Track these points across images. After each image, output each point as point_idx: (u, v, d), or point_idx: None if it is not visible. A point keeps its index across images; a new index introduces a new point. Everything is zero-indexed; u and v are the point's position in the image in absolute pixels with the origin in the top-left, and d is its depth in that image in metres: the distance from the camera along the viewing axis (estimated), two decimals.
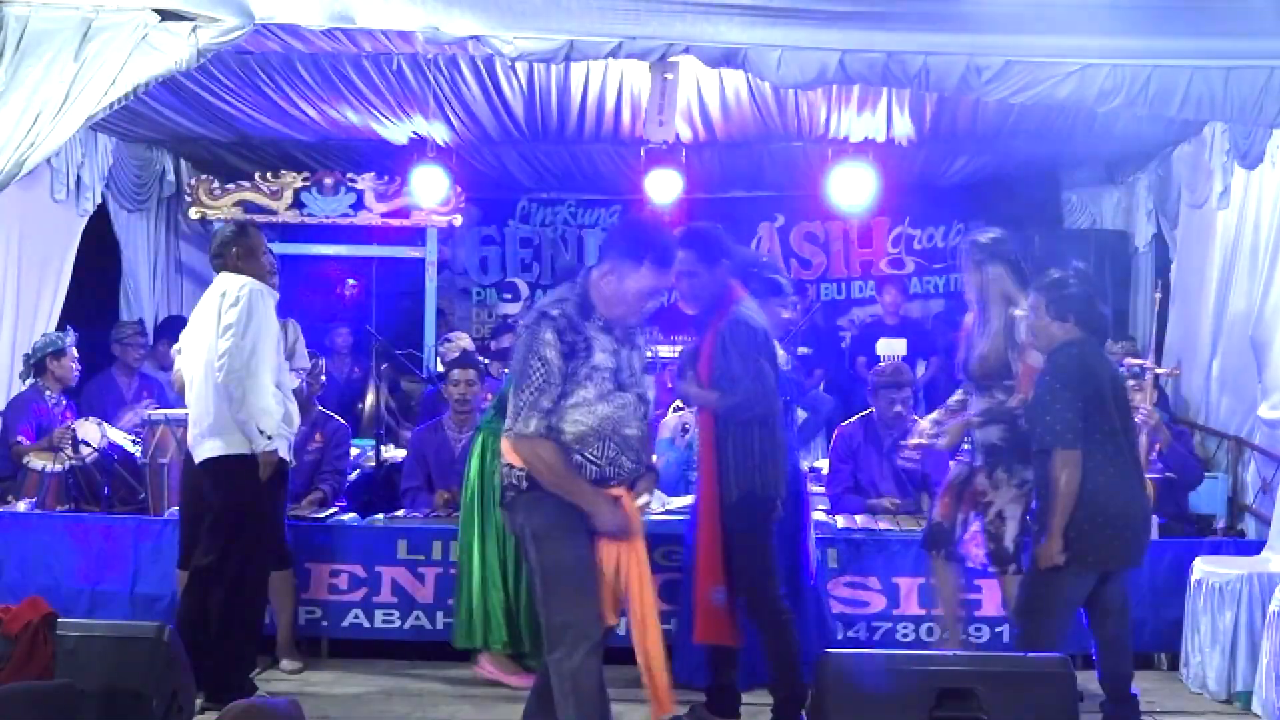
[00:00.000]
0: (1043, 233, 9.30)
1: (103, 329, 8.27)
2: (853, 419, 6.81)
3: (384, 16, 5.19)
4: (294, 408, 5.53)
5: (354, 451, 7.18)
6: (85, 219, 8.27)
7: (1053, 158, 9.14)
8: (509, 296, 9.69)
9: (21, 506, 6.51)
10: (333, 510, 6.48)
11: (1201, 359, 7.52)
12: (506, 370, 7.57)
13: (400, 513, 6.47)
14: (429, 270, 8.95)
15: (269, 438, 5.28)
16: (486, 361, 7.54)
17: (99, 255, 8.62)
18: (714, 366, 4.87)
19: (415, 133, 8.33)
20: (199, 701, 4.80)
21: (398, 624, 6.14)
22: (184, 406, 5.63)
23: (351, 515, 6.49)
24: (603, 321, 4.12)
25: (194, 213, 8.76)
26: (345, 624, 6.16)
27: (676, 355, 5.36)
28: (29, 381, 7.22)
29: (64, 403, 7.23)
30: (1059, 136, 7.95)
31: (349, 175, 8.75)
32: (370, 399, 8.19)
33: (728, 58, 5.25)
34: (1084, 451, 4.63)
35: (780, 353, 5.45)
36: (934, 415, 5.74)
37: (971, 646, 5.69)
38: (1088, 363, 4.76)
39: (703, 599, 4.90)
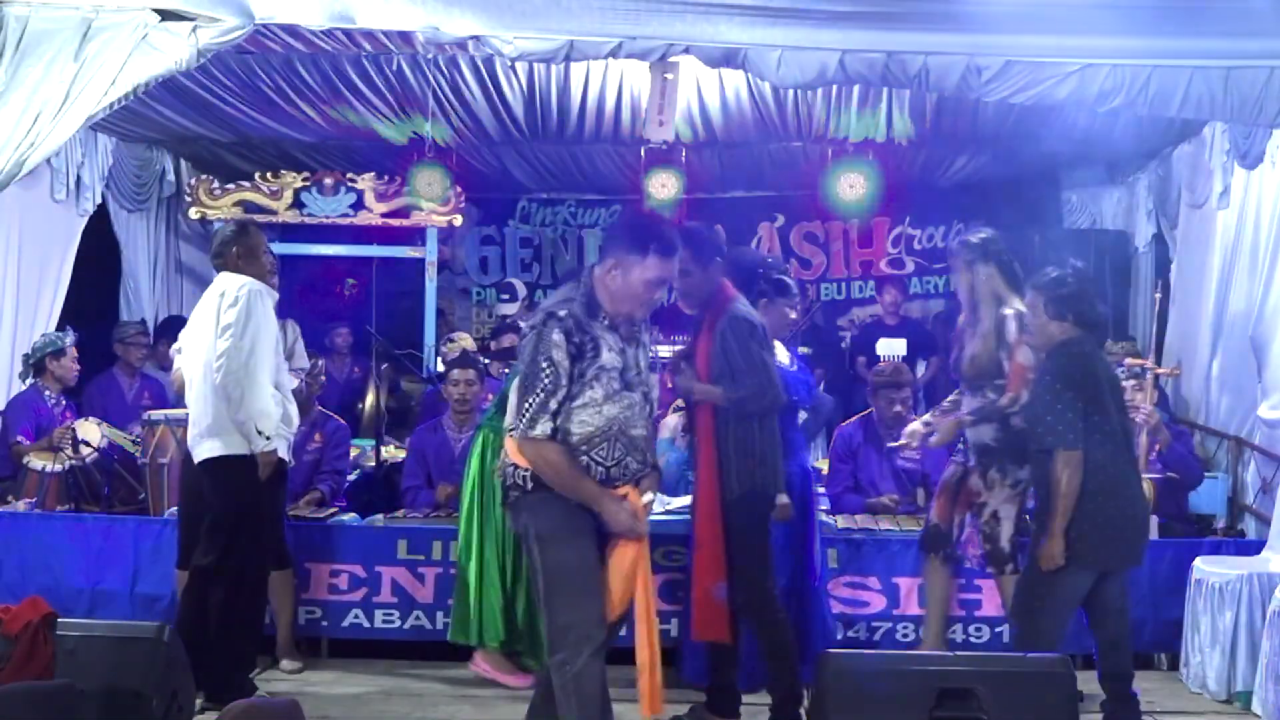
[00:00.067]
0: (1043, 233, 9.30)
1: (103, 329, 8.27)
2: (853, 419, 6.82)
3: (384, 16, 5.19)
4: (293, 408, 5.53)
5: (354, 451, 7.19)
6: (85, 219, 8.27)
7: (1053, 158, 9.14)
8: (506, 297, 9.69)
9: (21, 506, 6.51)
10: (333, 510, 6.48)
11: (1201, 359, 7.52)
12: (507, 370, 7.60)
13: (400, 513, 6.47)
14: (429, 270, 8.95)
15: (267, 438, 5.28)
16: (486, 361, 7.54)
17: (99, 255, 8.62)
18: (713, 363, 4.87)
19: (415, 133, 8.33)
20: (199, 701, 4.81)
21: (398, 624, 6.14)
22: (184, 406, 5.63)
23: (351, 515, 6.49)
24: (609, 320, 4.10)
25: (194, 213, 8.76)
26: (345, 624, 6.16)
27: (671, 355, 5.36)
28: (29, 381, 7.22)
29: (64, 403, 7.23)
30: (1059, 136, 7.95)
31: (349, 175, 8.75)
32: (370, 399, 8.19)
33: (728, 58, 5.24)
34: (1084, 451, 4.63)
35: (784, 353, 5.47)
36: (926, 417, 5.75)
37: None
38: (1087, 362, 4.76)
39: (702, 596, 4.90)
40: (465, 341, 8.17)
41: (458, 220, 8.95)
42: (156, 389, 7.77)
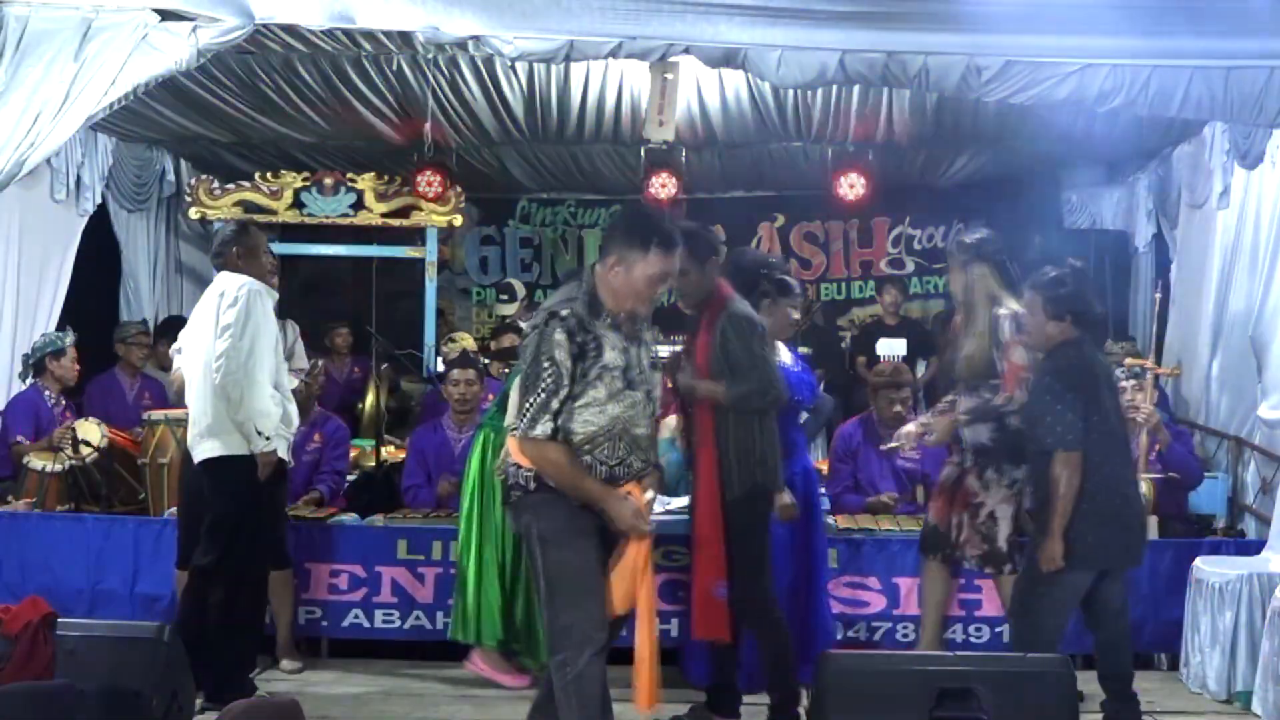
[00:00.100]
0: (1043, 233, 9.31)
1: (103, 329, 8.26)
2: (852, 419, 6.82)
3: (384, 16, 5.19)
4: (293, 408, 5.53)
5: (354, 452, 7.19)
6: (85, 219, 8.27)
7: (1053, 158, 9.15)
8: (505, 298, 9.69)
9: (21, 506, 6.51)
10: (333, 510, 6.48)
11: (1201, 359, 7.52)
12: (507, 370, 7.60)
13: (400, 513, 6.47)
14: (429, 270, 8.95)
15: (267, 438, 5.28)
16: (486, 362, 7.54)
17: (99, 255, 8.62)
18: (713, 361, 4.87)
19: (415, 133, 8.33)
20: (199, 701, 4.81)
21: (398, 624, 6.13)
22: (184, 406, 5.63)
23: (351, 515, 6.49)
24: (611, 319, 4.08)
25: (194, 213, 8.76)
26: (345, 624, 6.15)
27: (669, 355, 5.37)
28: (29, 381, 7.22)
29: (64, 403, 7.23)
30: (1059, 136, 7.96)
31: (349, 175, 8.74)
32: (370, 399, 8.19)
33: (728, 58, 5.25)
34: (1082, 452, 4.63)
35: (786, 353, 5.48)
36: (923, 419, 5.74)
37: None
38: (1086, 363, 4.76)
39: (702, 594, 4.90)
40: (466, 341, 8.17)
41: (458, 220, 8.95)
42: (157, 389, 7.77)
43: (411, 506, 6.53)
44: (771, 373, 4.90)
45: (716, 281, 5.02)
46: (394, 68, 7.25)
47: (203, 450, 5.34)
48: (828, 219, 10.76)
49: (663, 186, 8.77)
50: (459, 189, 8.77)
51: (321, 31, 5.66)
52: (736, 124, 8.29)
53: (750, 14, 5.15)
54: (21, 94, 4.99)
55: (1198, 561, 5.80)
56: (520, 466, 4.08)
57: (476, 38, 5.18)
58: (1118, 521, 4.73)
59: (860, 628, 6.01)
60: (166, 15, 5.03)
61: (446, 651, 5.89)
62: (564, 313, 4.00)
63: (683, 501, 5.66)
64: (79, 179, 8.08)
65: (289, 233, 9.05)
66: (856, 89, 7.50)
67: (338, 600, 6.13)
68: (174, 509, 6.01)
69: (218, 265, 5.49)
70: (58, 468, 6.58)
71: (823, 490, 6.47)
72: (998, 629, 5.87)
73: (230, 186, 8.74)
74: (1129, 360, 6.90)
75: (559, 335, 3.96)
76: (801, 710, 4.89)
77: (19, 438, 6.94)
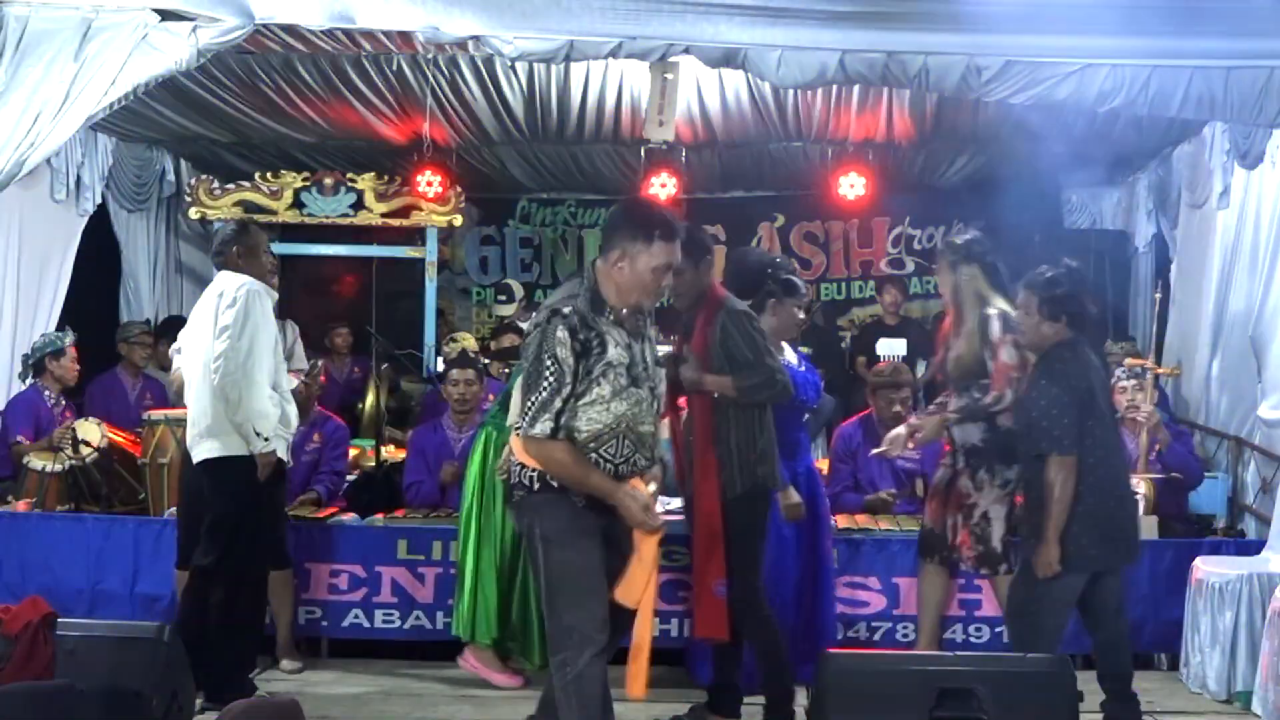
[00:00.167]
0: (1043, 233, 9.30)
1: (103, 329, 8.27)
2: (852, 419, 6.82)
3: (384, 16, 5.19)
4: (292, 409, 5.52)
5: (354, 451, 7.19)
6: (85, 219, 8.27)
7: (1053, 158, 9.14)
8: (504, 299, 9.70)
9: (22, 506, 6.51)
10: (333, 510, 6.48)
11: (1201, 359, 7.52)
12: (507, 370, 7.61)
13: (400, 512, 6.47)
14: (429, 270, 8.95)
15: (266, 439, 5.28)
16: (486, 362, 7.54)
17: (99, 255, 8.63)
18: (713, 358, 4.88)
19: (415, 133, 8.33)
20: (199, 701, 4.81)
21: (398, 624, 6.14)
22: (183, 406, 5.63)
23: (352, 515, 6.49)
24: (614, 315, 4.06)
25: (194, 213, 8.76)
26: (345, 624, 6.16)
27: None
28: (29, 381, 7.22)
29: (64, 403, 7.23)
30: (1059, 136, 7.95)
31: (349, 175, 8.75)
32: (370, 399, 8.19)
33: (728, 58, 5.24)
34: (1078, 453, 4.61)
35: (791, 353, 5.49)
36: (912, 420, 5.75)
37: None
38: (1082, 366, 4.73)
39: (702, 594, 4.90)
40: (467, 341, 8.16)
41: (458, 220, 8.95)
42: (159, 390, 7.77)
43: (414, 503, 6.53)
44: (777, 364, 4.93)
45: (710, 281, 5.04)
46: (394, 68, 7.25)
47: (202, 450, 5.34)
48: (828, 219, 10.75)
49: (663, 186, 8.77)
50: (459, 189, 8.77)
51: (321, 31, 5.66)
52: (736, 124, 8.29)
53: (750, 14, 5.15)
54: (21, 94, 4.99)
55: (1198, 561, 5.80)
56: (524, 466, 4.06)
57: (476, 38, 5.19)
58: (1112, 524, 4.73)
59: (860, 628, 6.01)
60: (166, 15, 5.03)
61: (446, 651, 5.90)
62: (566, 310, 3.98)
63: (679, 502, 5.66)
64: (79, 179, 8.08)
65: (289, 233, 9.05)
66: (856, 89, 7.50)
67: (338, 600, 6.14)
68: (174, 509, 6.01)
69: (218, 264, 5.49)
70: (58, 468, 6.58)
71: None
72: (998, 629, 5.87)
73: (230, 186, 8.75)
74: (1129, 360, 6.90)
75: (561, 333, 3.94)
76: (801, 709, 4.89)
77: (19, 438, 6.94)
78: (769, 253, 9.75)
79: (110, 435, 6.84)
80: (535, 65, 6.98)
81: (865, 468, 6.54)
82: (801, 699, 4.92)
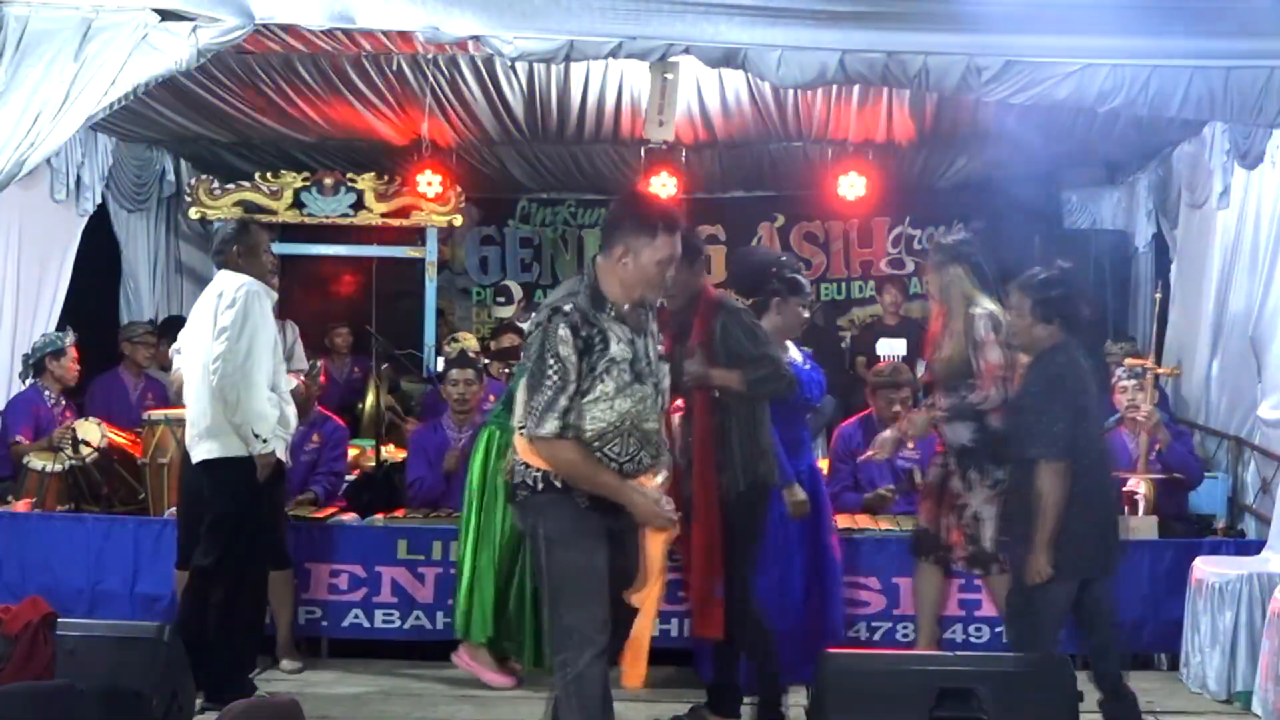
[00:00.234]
0: (1043, 233, 9.30)
1: (103, 329, 8.26)
2: (852, 419, 6.83)
3: (384, 16, 5.18)
4: (291, 410, 5.52)
5: (354, 451, 7.19)
6: (85, 219, 8.27)
7: (1053, 158, 9.14)
8: (503, 300, 9.70)
9: (21, 506, 6.51)
10: (333, 510, 6.48)
11: (1201, 359, 7.52)
12: (507, 370, 7.61)
13: (400, 512, 6.47)
14: (429, 270, 8.95)
15: (264, 441, 5.27)
16: (486, 361, 7.54)
17: (99, 255, 8.62)
18: (714, 355, 4.88)
19: (415, 133, 8.33)
20: (199, 701, 4.81)
21: (398, 624, 6.14)
22: (184, 406, 5.62)
23: (352, 515, 6.49)
24: (615, 311, 4.04)
25: (194, 213, 8.76)
26: (345, 624, 6.16)
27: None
28: (29, 381, 7.22)
29: (64, 403, 7.23)
30: (1059, 136, 7.95)
31: (349, 175, 8.75)
32: (370, 399, 8.19)
33: (728, 58, 5.24)
34: (1069, 459, 4.57)
35: (796, 351, 5.50)
36: (901, 423, 5.76)
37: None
38: (1076, 370, 4.70)
39: (700, 593, 4.89)
40: (469, 341, 8.17)
41: (458, 220, 8.95)
42: (160, 390, 7.76)
43: (418, 499, 6.54)
44: (781, 357, 4.94)
45: (703, 281, 5.07)
46: (394, 68, 7.24)
47: (201, 451, 5.34)
48: (828, 219, 10.74)
49: (663, 186, 8.77)
50: (459, 189, 8.77)
51: (321, 31, 5.65)
52: (736, 124, 8.28)
53: (750, 14, 5.14)
54: (21, 94, 4.98)
55: (1198, 561, 5.80)
56: (528, 466, 4.04)
57: (476, 38, 5.19)
58: (1103, 529, 4.71)
59: (860, 628, 6.01)
60: (166, 15, 5.02)
61: (446, 651, 5.89)
62: (567, 308, 3.95)
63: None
64: (79, 179, 8.07)
65: (289, 233, 9.05)
66: (856, 89, 7.50)
67: (338, 600, 6.14)
68: (174, 509, 6.01)
69: (218, 263, 5.49)
70: (58, 468, 6.58)
71: None
72: (997, 629, 5.86)
73: (230, 186, 8.75)
74: (1129, 360, 6.90)
75: (563, 331, 3.91)
76: (802, 709, 4.89)
77: (18, 437, 6.94)
78: (773, 251, 9.75)
79: (110, 435, 6.84)
80: (535, 65, 6.98)
81: (865, 467, 6.54)
82: (803, 699, 4.92)
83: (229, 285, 5.32)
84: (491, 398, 6.79)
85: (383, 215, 8.73)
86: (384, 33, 5.84)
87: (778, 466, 5.06)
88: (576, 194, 10.71)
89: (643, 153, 8.81)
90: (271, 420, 5.31)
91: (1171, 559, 6.00)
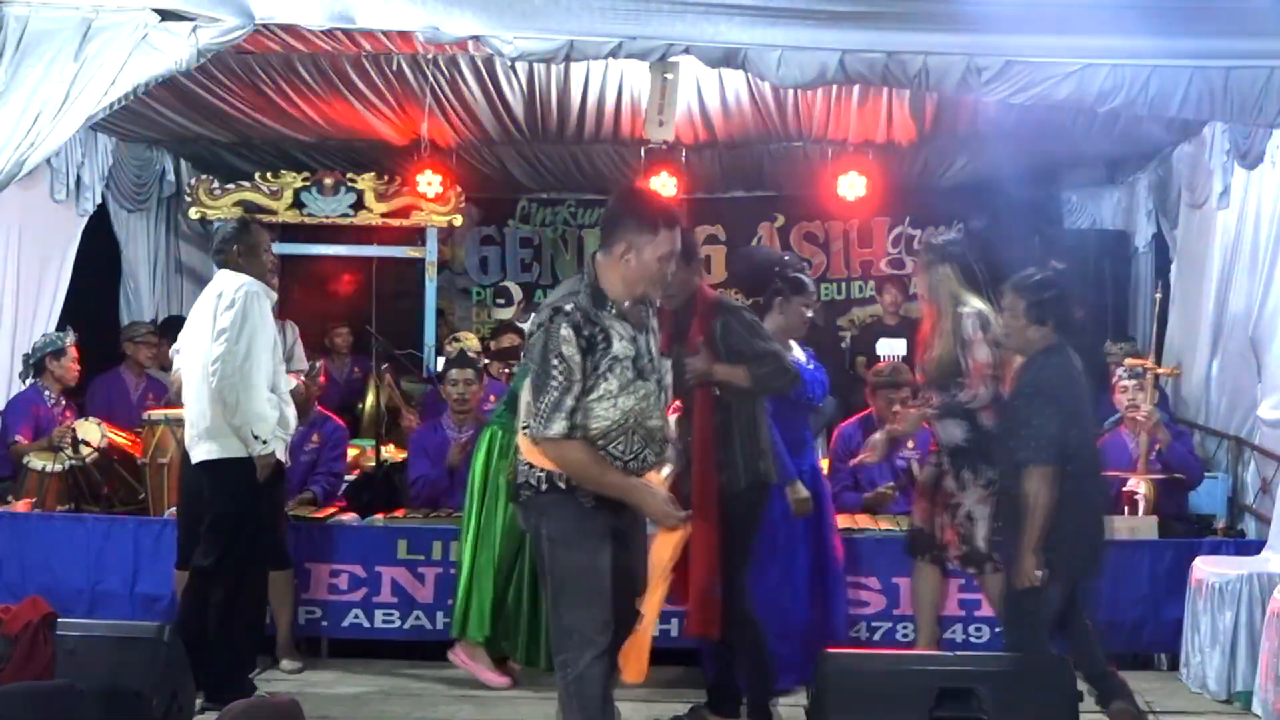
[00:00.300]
0: (1043, 233, 9.29)
1: (103, 329, 8.26)
2: (852, 419, 6.83)
3: (384, 16, 5.18)
4: (290, 411, 5.52)
5: (354, 451, 7.19)
6: (85, 219, 8.27)
7: (1053, 158, 9.14)
8: (503, 302, 9.69)
9: (21, 506, 6.51)
10: (333, 510, 6.48)
11: (1201, 359, 7.51)
12: (507, 370, 7.61)
13: (400, 512, 6.48)
14: (429, 270, 8.95)
15: (264, 442, 5.27)
16: (486, 362, 7.54)
17: (99, 255, 8.62)
18: (717, 353, 4.88)
19: (415, 133, 8.33)
20: (199, 701, 4.81)
21: (398, 624, 6.14)
22: (183, 407, 5.62)
23: (352, 515, 6.49)
24: (616, 309, 4.03)
25: (194, 213, 8.76)
26: (345, 624, 6.16)
27: None
28: (29, 381, 7.22)
29: (64, 403, 7.23)
30: (1059, 136, 7.95)
31: (349, 175, 8.74)
32: (370, 399, 8.19)
33: (728, 58, 5.24)
34: (1059, 464, 4.55)
35: (799, 351, 5.51)
36: (890, 425, 5.76)
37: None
38: (1069, 373, 4.69)
39: (698, 592, 4.89)
40: (470, 341, 8.17)
41: (458, 220, 8.95)
42: (161, 390, 7.77)
43: (421, 499, 6.55)
44: (784, 353, 4.96)
45: (700, 280, 5.08)
46: (393, 67, 7.24)
47: (200, 452, 5.34)
48: (828, 219, 10.74)
49: (663, 186, 8.76)
50: (459, 189, 8.77)
51: (321, 31, 5.65)
52: (736, 124, 8.28)
53: (750, 14, 5.14)
54: (21, 94, 4.98)
55: (1198, 561, 5.80)
56: (532, 466, 4.03)
57: (476, 38, 5.18)
58: (1085, 533, 4.70)
59: (860, 628, 6.02)
60: (166, 15, 5.02)
61: (446, 651, 5.89)
62: (568, 308, 3.94)
63: None
64: (79, 179, 8.07)
65: (289, 233, 9.05)
66: (856, 89, 7.49)
67: (338, 600, 6.14)
68: (174, 509, 6.01)
69: (218, 262, 5.49)
70: (58, 468, 6.58)
71: None
72: (998, 629, 5.85)
73: (230, 186, 8.74)
74: (1129, 360, 6.90)
75: (565, 331, 3.90)
76: (802, 709, 4.89)
77: (18, 438, 6.94)
78: (777, 250, 9.75)
79: (110, 435, 6.84)
80: (535, 65, 6.98)
81: (865, 467, 6.54)
82: (803, 699, 4.93)
83: (228, 286, 5.31)
84: (492, 398, 6.79)
85: (383, 215, 8.72)
86: (384, 33, 5.83)
87: (778, 464, 5.07)
88: (576, 194, 10.71)
89: (643, 153, 8.81)
90: (271, 421, 5.31)
91: (1171, 559, 6.00)
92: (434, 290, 9.01)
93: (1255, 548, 5.94)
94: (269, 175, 8.76)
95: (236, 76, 7.32)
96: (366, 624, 6.15)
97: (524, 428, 4.07)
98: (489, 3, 5.11)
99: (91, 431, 6.75)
